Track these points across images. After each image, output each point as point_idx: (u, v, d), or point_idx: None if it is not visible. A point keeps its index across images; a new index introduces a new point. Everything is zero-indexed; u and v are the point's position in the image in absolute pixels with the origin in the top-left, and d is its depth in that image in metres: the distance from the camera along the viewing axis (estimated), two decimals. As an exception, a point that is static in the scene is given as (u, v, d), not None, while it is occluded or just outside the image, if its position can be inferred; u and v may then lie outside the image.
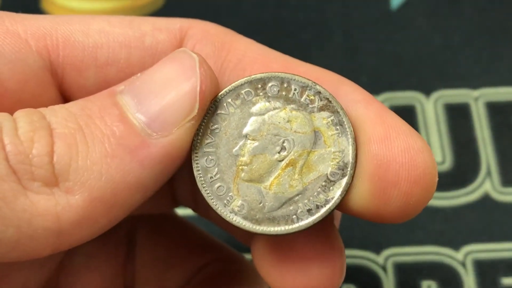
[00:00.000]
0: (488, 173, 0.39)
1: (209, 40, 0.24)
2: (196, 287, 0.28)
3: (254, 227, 0.22)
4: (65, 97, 0.24)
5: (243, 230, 0.22)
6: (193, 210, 0.29)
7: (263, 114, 0.22)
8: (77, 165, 0.20)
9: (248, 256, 0.30)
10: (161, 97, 0.21)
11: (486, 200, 0.38)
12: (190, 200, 0.28)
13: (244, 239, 0.26)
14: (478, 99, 0.41)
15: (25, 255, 0.20)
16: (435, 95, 0.41)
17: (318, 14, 0.45)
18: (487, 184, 0.38)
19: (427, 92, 0.41)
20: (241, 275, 0.29)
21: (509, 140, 0.40)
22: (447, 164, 0.39)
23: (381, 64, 0.43)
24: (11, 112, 0.21)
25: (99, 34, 0.23)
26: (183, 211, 0.32)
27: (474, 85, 0.41)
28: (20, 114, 0.21)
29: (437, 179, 0.21)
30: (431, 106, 0.41)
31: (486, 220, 0.37)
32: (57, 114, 0.21)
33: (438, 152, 0.39)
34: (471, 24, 0.44)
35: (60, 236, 0.20)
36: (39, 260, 0.26)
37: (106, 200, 0.20)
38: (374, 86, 0.42)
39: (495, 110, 0.41)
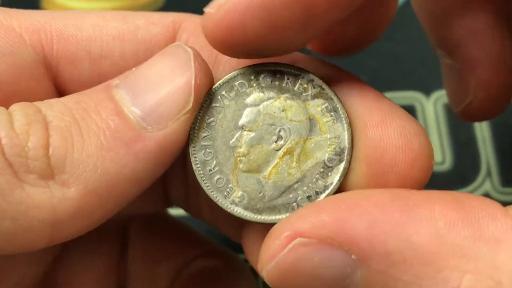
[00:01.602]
0: (488, 173, 0.38)
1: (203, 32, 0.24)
2: (185, 281, 0.28)
3: (255, 216, 0.22)
4: (59, 90, 0.24)
5: (244, 220, 0.22)
6: (185, 210, 0.29)
7: (258, 104, 0.22)
8: (72, 157, 0.20)
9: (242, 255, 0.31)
10: (156, 91, 0.21)
11: (486, 200, 0.38)
12: (183, 200, 0.28)
13: (235, 237, 0.26)
14: (478, 99, 0.41)
15: (21, 248, 0.20)
16: (435, 95, 0.41)
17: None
18: (487, 184, 0.38)
19: (427, 92, 0.41)
20: (228, 268, 0.29)
21: (509, 140, 0.39)
22: (447, 164, 0.39)
23: (381, 64, 0.43)
24: (6, 105, 0.21)
25: (92, 28, 0.23)
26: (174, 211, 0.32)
27: (474, 85, 0.41)
28: (15, 107, 0.21)
29: (433, 161, 0.22)
30: (431, 106, 0.41)
31: (486, 220, 0.37)
32: (53, 107, 0.21)
33: (438, 152, 0.39)
34: (471, 24, 0.44)
35: (55, 228, 0.20)
36: (34, 255, 0.26)
37: (101, 192, 0.20)
38: (374, 86, 0.41)
39: (495, 110, 0.40)
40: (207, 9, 0.21)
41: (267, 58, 0.22)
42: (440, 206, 0.19)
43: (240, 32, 0.21)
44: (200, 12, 0.25)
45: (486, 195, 0.38)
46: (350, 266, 0.19)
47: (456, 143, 0.39)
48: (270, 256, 0.19)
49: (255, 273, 0.24)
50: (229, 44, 0.21)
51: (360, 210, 0.19)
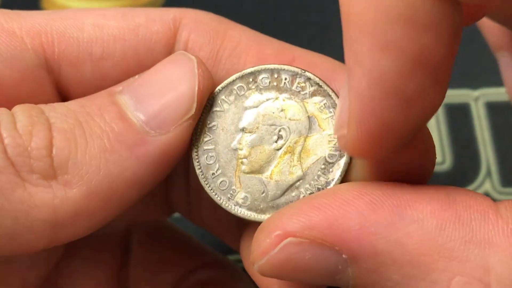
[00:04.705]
0: (488, 173, 0.39)
1: (203, 28, 0.24)
2: None
3: (259, 216, 0.22)
4: (62, 94, 0.24)
5: (248, 221, 0.22)
6: (186, 216, 0.29)
7: (257, 106, 0.22)
8: (76, 159, 0.20)
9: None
10: (160, 96, 0.21)
11: (486, 200, 0.38)
12: (184, 206, 0.28)
13: (234, 243, 0.27)
14: (478, 99, 0.41)
15: (20, 248, 0.20)
16: (435, 95, 0.41)
17: (318, 14, 0.45)
18: (487, 184, 0.38)
19: (427, 92, 0.41)
20: (229, 278, 0.29)
21: (509, 140, 0.39)
22: (447, 164, 0.39)
23: (381, 64, 0.43)
24: (8, 108, 0.21)
25: (93, 28, 0.23)
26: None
27: (474, 85, 0.41)
28: (18, 108, 0.21)
29: (435, 157, 0.21)
30: (431, 106, 0.41)
31: (486, 220, 0.37)
32: (56, 110, 0.21)
33: (438, 152, 0.39)
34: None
35: (55, 229, 0.20)
36: (36, 259, 0.26)
37: (103, 194, 0.20)
38: (374, 86, 0.42)
39: (495, 110, 0.40)
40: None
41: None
42: (432, 206, 0.19)
43: (381, 143, 0.19)
44: (200, 8, 0.25)
45: (486, 195, 0.38)
46: (341, 264, 0.19)
47: (456, 143, 0.39)
48: (262, 253, 0.19)
49: (254, 284, 0.24)
50: (378, 152, 0.19)
51: (351, 210, 0.19)
